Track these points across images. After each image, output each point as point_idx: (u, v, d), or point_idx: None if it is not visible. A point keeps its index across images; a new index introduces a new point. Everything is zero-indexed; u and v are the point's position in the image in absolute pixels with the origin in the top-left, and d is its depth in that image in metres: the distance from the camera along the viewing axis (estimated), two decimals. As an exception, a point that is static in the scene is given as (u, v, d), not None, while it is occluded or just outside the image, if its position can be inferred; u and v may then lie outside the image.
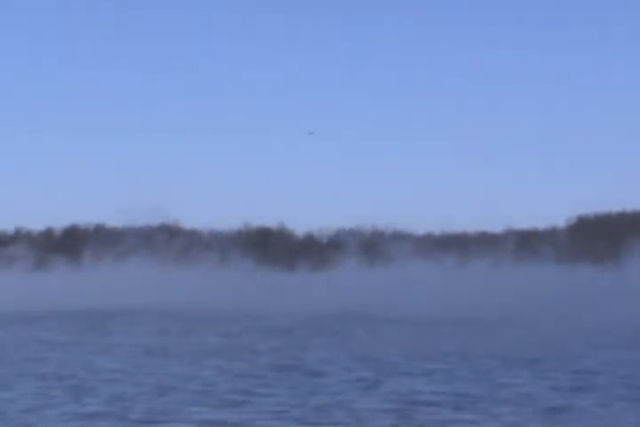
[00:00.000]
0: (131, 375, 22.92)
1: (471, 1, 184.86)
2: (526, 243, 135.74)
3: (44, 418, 16.69)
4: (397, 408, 17.39)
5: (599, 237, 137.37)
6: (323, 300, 66.07)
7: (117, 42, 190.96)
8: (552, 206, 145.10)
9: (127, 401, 18.47)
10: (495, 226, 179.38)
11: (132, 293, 75.09)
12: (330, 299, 67.21)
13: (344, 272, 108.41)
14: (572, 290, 78.74)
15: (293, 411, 17.26)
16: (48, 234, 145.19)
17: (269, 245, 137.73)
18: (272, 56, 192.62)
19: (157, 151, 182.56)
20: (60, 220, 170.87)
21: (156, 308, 61.12)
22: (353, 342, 32.70)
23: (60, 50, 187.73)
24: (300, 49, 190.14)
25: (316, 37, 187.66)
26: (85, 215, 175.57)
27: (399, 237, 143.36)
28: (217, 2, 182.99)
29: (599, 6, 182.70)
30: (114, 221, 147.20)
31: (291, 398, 18.70)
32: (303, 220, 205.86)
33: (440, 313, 51.66)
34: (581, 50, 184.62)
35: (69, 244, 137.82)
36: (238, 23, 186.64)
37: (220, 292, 79.62)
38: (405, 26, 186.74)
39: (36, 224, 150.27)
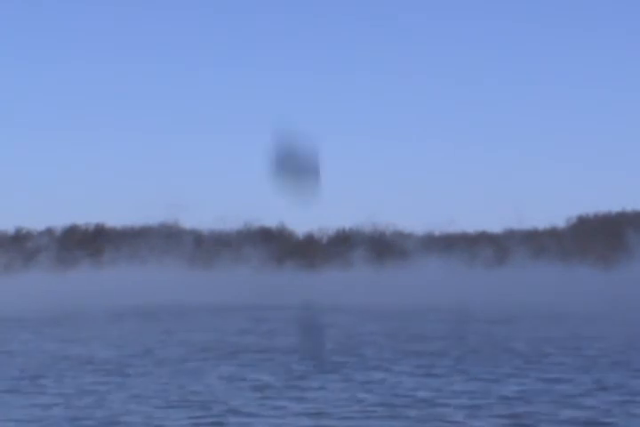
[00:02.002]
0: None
1: (471, 1, 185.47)
2: (526, 243, 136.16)
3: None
4: (480, 404, 17.62)
5: (599, 237, 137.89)
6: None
7: (117, 41, 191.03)
8: (552, 206, 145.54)
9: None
10: (495, 226, 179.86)
11: (187, 291, 76.17)
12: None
13: (380, 270, 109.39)
14: (581, 289, 79.22)
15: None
16: (66, 233, 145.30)
17: (281, 245, 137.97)
18: (272, 56, 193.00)
19: (157, 151, 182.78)
20: (59, 220, 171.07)
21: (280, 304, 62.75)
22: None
23: (59, 49, 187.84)
24: (299, 49, 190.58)
25: (316, 37, 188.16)
26: (85, 215, 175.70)
27: (399, 237, 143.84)
28: (218, 2, 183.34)
29: (599, 6, 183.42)
30: (114, 220, 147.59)
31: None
32: (303, 220, 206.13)
33: (480, 310, 52.19)
34: (581, 50, 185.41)
35: (71, 244, 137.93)
36: (239, 23, 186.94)
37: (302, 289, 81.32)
38: (405, 26, 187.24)
39: (37, 224, 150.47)
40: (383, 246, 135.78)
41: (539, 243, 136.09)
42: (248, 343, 32.18)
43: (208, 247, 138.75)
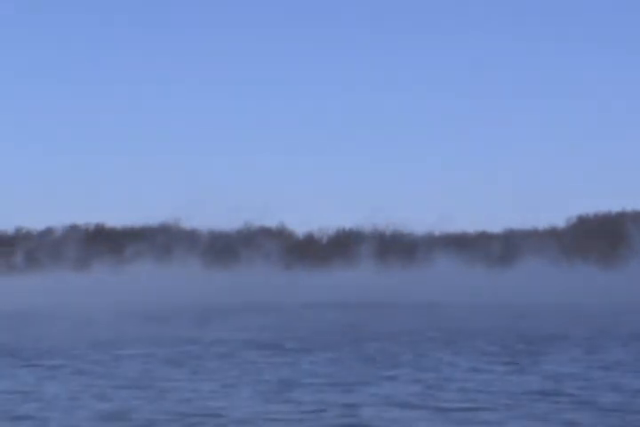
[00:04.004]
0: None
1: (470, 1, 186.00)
2: (526, 243, 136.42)
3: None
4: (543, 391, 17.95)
5: (599, 237, 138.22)
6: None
7: (117, 41, 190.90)
8: (552, 206, 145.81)
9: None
10: (495, 226, 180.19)
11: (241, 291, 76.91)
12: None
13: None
14: (587, 289, 79.76)
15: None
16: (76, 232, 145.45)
17: (282, 245, 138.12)
18: (271, 56, 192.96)
19: (157, 151, 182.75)
20: (60, 220, 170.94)
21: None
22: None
23: (58, 48, 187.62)
24: (298, 48, 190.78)
25: (315, 37, 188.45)
26: (85, 214, 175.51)
27: (399, 237, 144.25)
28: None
29: (599, 6, 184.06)
30: (114, 220, 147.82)
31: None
32: (303, 220, 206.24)
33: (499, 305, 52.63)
34: (581, 50, 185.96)
35: (74, 243, 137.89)
36: (239, 23, 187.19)
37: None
38: (405, 26, 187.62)
39: (37, 224, 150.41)
40: (385, 246, 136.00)
41: (539, 243, 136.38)
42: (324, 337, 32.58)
43: (209, 247, 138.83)
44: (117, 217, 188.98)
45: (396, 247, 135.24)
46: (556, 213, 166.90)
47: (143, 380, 20.67)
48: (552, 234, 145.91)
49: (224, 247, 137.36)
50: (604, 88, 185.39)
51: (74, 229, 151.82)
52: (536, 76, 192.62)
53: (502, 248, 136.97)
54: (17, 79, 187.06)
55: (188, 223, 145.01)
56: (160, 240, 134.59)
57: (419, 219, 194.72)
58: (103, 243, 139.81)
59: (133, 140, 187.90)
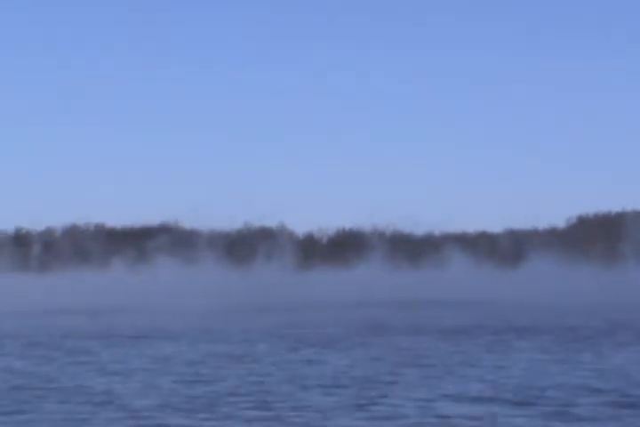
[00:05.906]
0: None
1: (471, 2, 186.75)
2: (526, 243, 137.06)
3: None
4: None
5: (599, 237, 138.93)
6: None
7: (118, 42, 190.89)
8: (552, 206, 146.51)
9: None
10: (495, 226, 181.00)
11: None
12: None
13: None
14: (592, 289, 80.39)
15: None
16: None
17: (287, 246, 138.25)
18: (271, 56, 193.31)
19: (157, 152, 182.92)
20: (60, 220, 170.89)
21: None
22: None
23: (57, 48, 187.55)
24: (298, 49, 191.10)
25: (315, 37, 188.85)
26: (86, 214, 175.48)
27: (400, 236, 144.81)
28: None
29: (598, 6, 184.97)
30: (113, 220, 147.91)
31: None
32: (303, 220, 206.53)
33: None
34: (581, 49, 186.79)
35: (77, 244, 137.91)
36: (240, 23, 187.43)
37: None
38: (405, 27, 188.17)
39: (36, 224, 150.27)
40: (388, 246, 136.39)
41: (540, 242, 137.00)
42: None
43: (210, 248, 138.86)
44: (117, 217, 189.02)
45: (400, 247, 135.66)
46: (556, 213, 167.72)
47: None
48: (552, 234, 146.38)
49: (225, 247, 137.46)
50: (604, 88, 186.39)
51: (74, 229, 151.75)
52: (536, 76, 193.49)
53: (504, 248, 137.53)
54: (16, 80, 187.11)
55: (188, 224, 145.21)
56: (167, 240, 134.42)
57: (419, 219, 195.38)
58: (108, 242, 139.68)
59: (133, 140, 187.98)
